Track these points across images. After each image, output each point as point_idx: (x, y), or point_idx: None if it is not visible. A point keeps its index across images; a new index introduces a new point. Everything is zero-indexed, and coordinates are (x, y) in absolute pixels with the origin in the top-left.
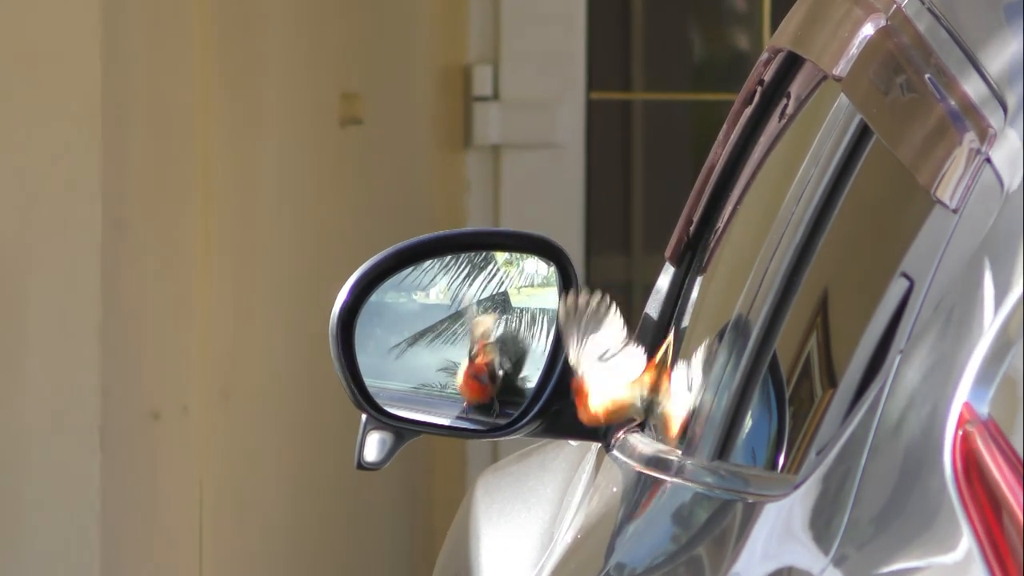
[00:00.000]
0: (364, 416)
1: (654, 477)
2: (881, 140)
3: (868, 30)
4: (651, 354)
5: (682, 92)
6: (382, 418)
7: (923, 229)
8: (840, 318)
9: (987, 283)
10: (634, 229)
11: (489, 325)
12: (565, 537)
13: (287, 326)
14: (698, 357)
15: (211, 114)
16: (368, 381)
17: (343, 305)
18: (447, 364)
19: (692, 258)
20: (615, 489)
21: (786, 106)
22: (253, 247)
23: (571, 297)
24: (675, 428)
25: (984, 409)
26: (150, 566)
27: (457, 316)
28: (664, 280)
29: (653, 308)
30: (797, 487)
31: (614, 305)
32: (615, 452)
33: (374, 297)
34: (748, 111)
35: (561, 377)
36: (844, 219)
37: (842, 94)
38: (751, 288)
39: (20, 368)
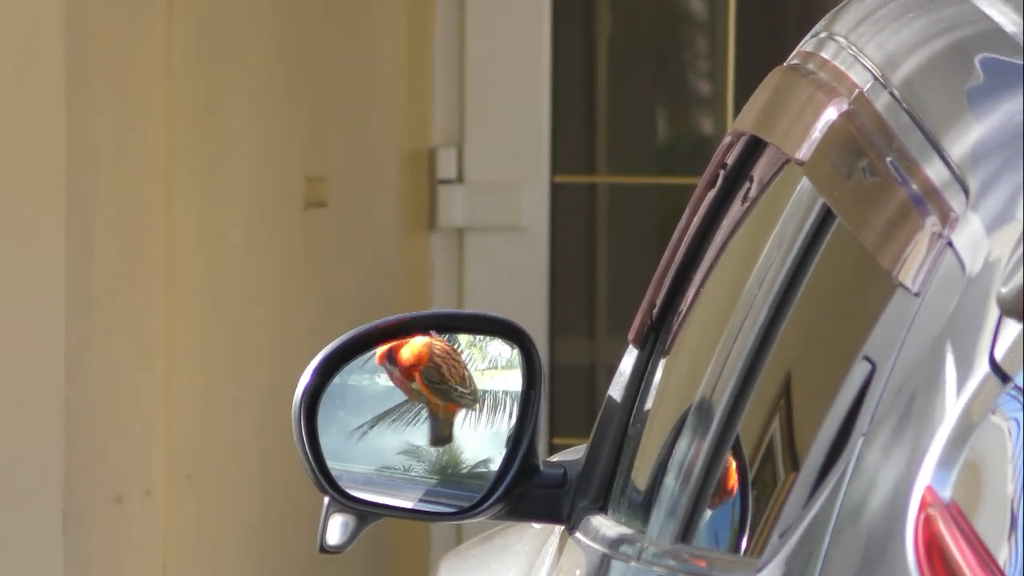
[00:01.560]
0: (327, 499)
1: (617, 560)
2: (844, 224)
3: (831, 114)
4: (616, 439)
5: (646, 175)
6: (345, 501)
7: (885, 313)
8: (802, 401)
9: (949, 367)
10: (598, 311)
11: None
12: None
13: (252, 408)
14: (661, 439)
15: (176, 196)
16: (331, 464)
17: (306, 388)
18: (409, 447)
19: (655, 341)
20: (578, 572)
21: (749, 189)
22: (218, 329)
23: None
24: (639, 510)
25: (947, 493)
26: None
27: (419, 397)
28: (627, 362)
29: (616, 390)
30: (760, 571)
31: None
32: (578, 534)
33: (337, 379)
34: (711, 194)
35: (524, 459)
36: (806, 302)
37: (805, 178)
38: (714, 371)
39: None
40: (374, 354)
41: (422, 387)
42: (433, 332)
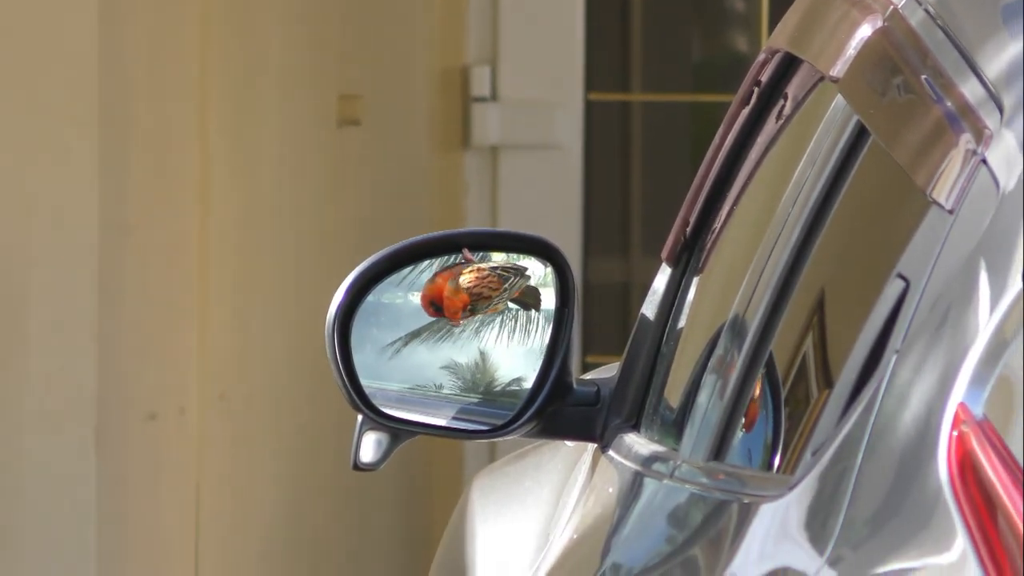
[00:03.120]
0: (360, 417)
1: (650, 477)
2: (878, 141)
3: (865, 31)
4: (649, 357)
5: (680, 93)
6: (378, 419)
7: (919, 230)
8: (836, 319)
9: (983, 284)
10: (632, 230)
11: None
12: (561, 537)
13: (285, 328)
14: (695, 358)
15: (209, 116)
16: (364, 382)
17: (339, 306)
18: (445, 363)
19: (689, 259)
20: (611, 489)
21: (783, 107)
22: (251, 249)
23: None
24: (672, 428)
25: (980, 410)
26: (147, 567)
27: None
28: (661, 281)
29: (650, 309)
30: (793, 488)
31: None
32: (611, 452)
33: (371, 298)
34: (745, 112)
35: (558, 377)
36: (840, 220)
37: (839, 95)
38: (747, 289)
39: (17, 369)
40: (410, 271)
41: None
42: (466, 250)
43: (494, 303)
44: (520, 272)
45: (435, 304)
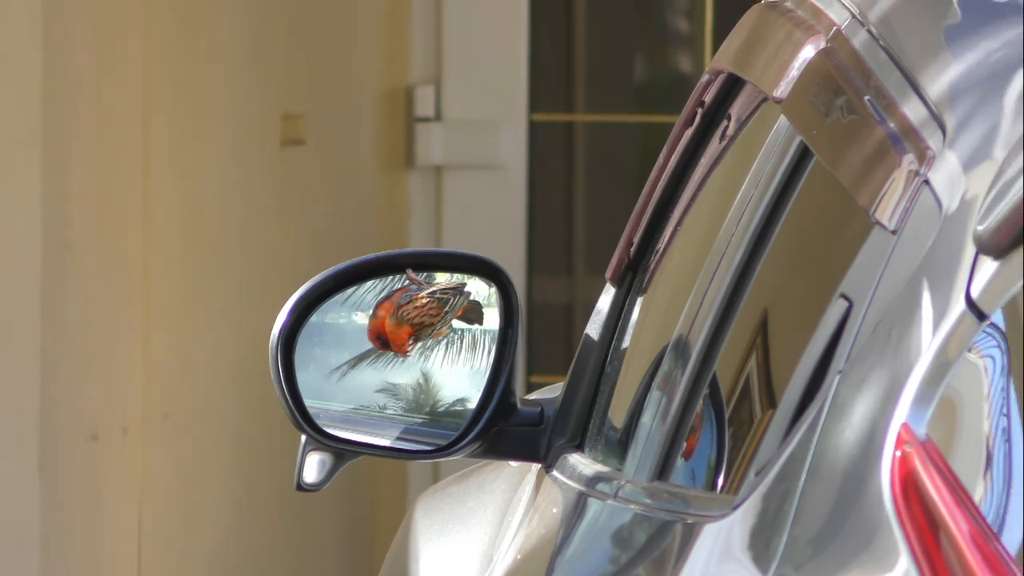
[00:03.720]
0: (304, 437)
1: (594, 498)
2: (821, 162)
3: (808, 52)
4: (593, 377)
5: (624, 114)
6: (322, 439)
7: (862, 250)
8: (779, 339)
9: (926, 304)
10: (576, 250)
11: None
12: (505, 558)
13: (229, 348)
14: (639, 378)
15: (153, 133)
16: (308, 402)
17: (283, 326)
18: (389, 384)
19: (633, 279)
20: (555, 510)
21: (726, 127)
22: (195, 267)
23: None
24: (616, 448)
25: (922, 430)
26: None
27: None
28: (605, 301)
29: (594, 329)
30: (736, 507)
31: None
32: (555, 472)
33: (314, 318)
34: (689, 132)
35: (502, 397)
36: (784, 240)
37: (782, 116)
38: (691, 309)
39: None
40: (354, 291)
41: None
42: (409, 270)
43: (437, 328)
44: (459, 290)
45: (381, 338)
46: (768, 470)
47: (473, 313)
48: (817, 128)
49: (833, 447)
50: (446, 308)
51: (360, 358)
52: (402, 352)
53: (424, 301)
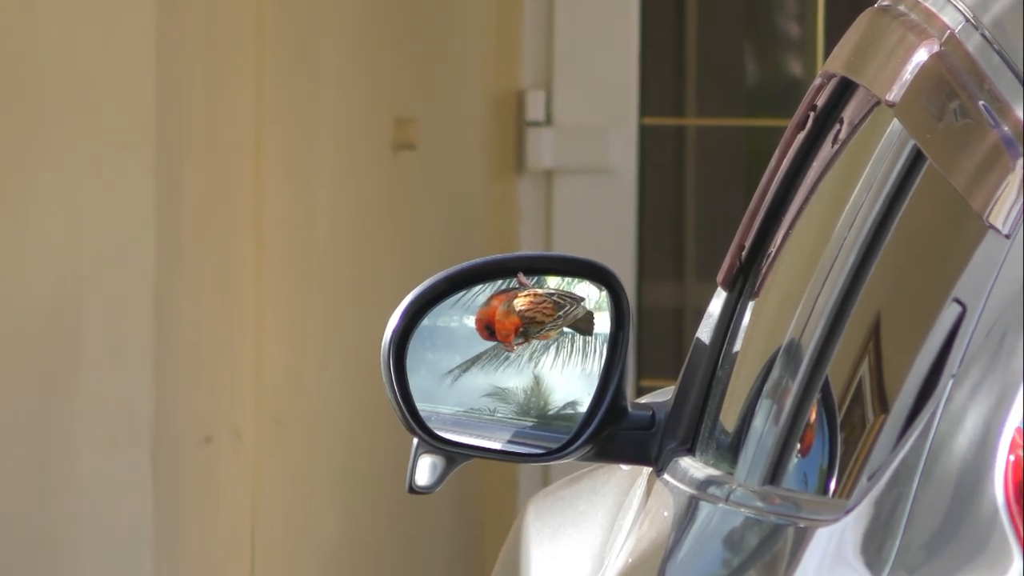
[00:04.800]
0: (416, 440)
1: (705, 501)
2: (934, 166)
3: (921, 56)
4: (704, 381)
5: (735, 118)
6: (434, 442)
7: (976, 254)
8: (892, 343)
9: None
10: (686, 254)
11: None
12: (616, 561)
13: (340, 351)
14: (750, 382)
15: (264, 140)
16: (420, 405)
17: (395, 329)
18: (499, 387)
19: (744, 283)
20: (666, 513)
21: (839, 131)
22: (306, 273)
23: None
24: (727, 452)
25: None
26: None
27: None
28: (716, 305)
29: (705, 333)
30: (848, 512)
31: None
32: (666, 476)
33: (426, 321)
34: (801, 136)
35: (612, 401)
36: (896, 244)
37: (895, 120)
38: (803, 313)
39: (75, 394)
40: (464, 294)
41: (525, 340)
42: (521, 274)
43: (547, 329)
44: (576, 301)
45: (488, 327)
46: (881, 474)
47: (584, 324)
48: (930, 132)
49: (946, 452)
50: (559, 312)
51: (472, 361)
52: (507, 344)
53: (542, 298)
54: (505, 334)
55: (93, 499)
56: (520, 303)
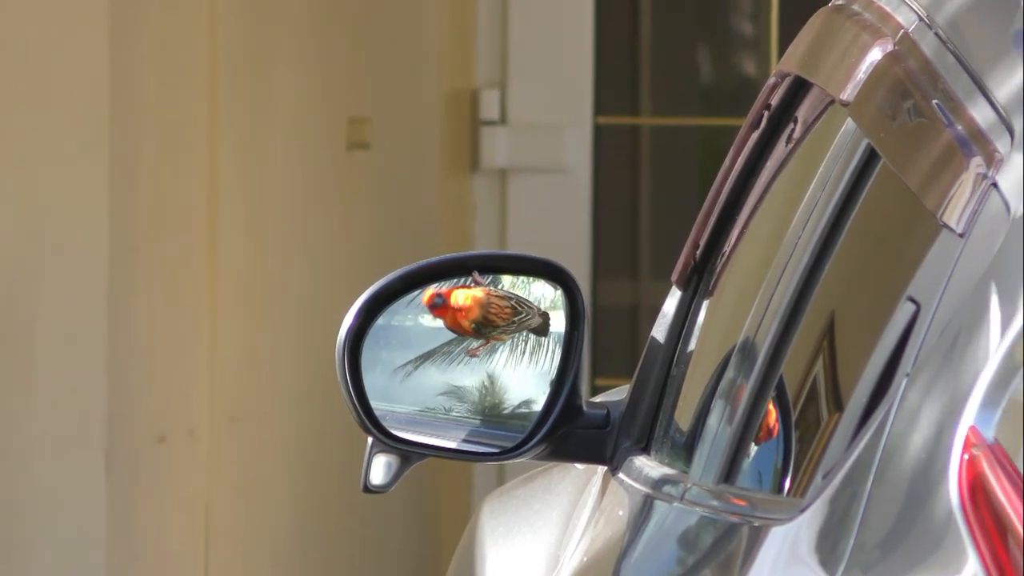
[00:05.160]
0: (370, 439)
1: (660, 500)
2: (888, 164)
3: (876, 55)
4: (659, 380)
5: (689, 117)
6: (388, 441)
7: (930, 253)
8: (847, 342)
9: (993, 307)
10: (641, 253)
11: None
12: (571, 560)
13: (295, 350)
14: (705, 380)
15: (219, 138)
16: (375, 404)
17: (350, 328)
18: (454, 386)
19: (699, 282)
20: (621, 512)
21: (793, 130)
22: (261, 271)
23: None
24: (682, 451)
25: (990, 433)
26: None
27: (462, 338)
28: (671, 304)
29: (660, 332)
30: (803, 510)
31: None
32: (621, 475)
33: (381, 320)
34: (755, 135)
35: (567, 400)
36: (851, 243)
37: (849, 119)
38: (758, 311)
39: (27, 391)
40: (419, 294)
41: (470, 333)
42: (476, 273)
43: (500, 331)
44: (539, 313)
45: (442, 298)
46: (835, 473)
47: (539, 328)
48: (884, 131)
49: (900, 450)
50: (515, 318)
51: (425, 357)
52: (454, 324)
53: (503, 302)
54: (459, 319)
55: (46, 498)
56: (480, 292)
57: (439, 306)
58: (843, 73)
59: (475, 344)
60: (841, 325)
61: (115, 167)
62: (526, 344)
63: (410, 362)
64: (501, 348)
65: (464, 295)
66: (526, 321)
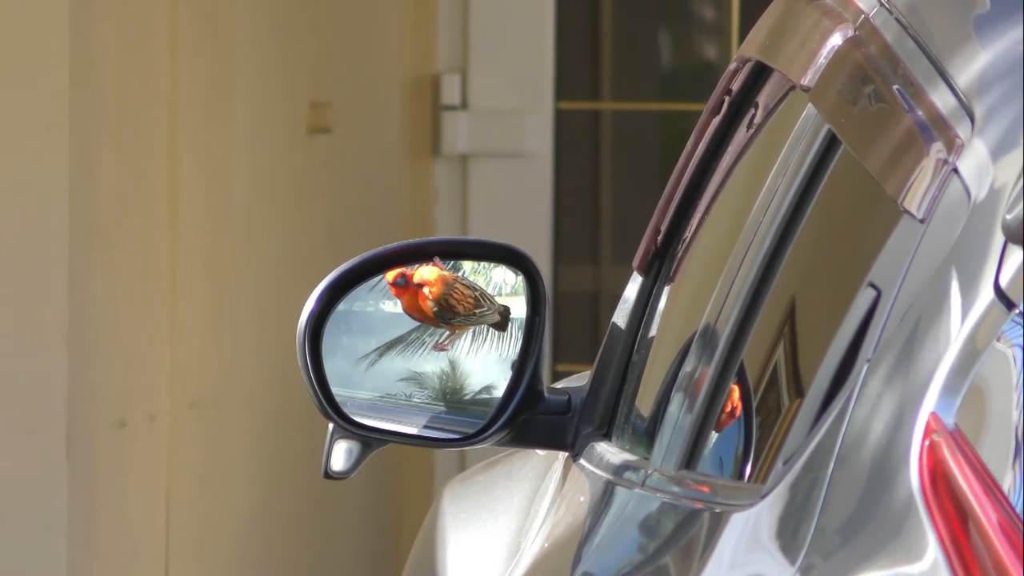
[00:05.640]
0: (331, 425)
1: (621, 486)
2: (849, 150)
3: (836, 40)
4: (620, 366)
5: (650, 102)
6: (349, 427)
7: (890, 239)
8: (807, 328)
9: (954, 293)
10: (602, 238)
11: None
12: (532, 546)
13: (256, 335)
14: (666, 366)
15: (180, 121)
16: (335, 390)
17: (310, 313)
18: (415, 372)
19: (660, 268)
20: (582, 498)
21: (754, 116)
22: (222, 256)
23: None
24: (643, 437)
25: (951, 419)
26: (116, 574)
27: (425, 326)
28: (632, 289)
29: (620, 318)
30: (764, 496)
31: None
32: (582, 461)
33: (342, 306)
34: (716, 121)
35: (528, 386)
36: (812, 228)
37: (810, 104)
38: (718, 297)
39: None
40: (380, 279)
41: (430, 317)
42: (437, 259)
43: (459, 320)
44: (500, 311)
45: (405, 278)
46: (796, 459)
47: (499, 328)
48: (845, 116)
49: (861, 436)
50: (476, 310)
51: (388, 346)
52: (413, 307)
53: (467, 291)
54: (422, 295)
55: (6, 482)
56: (448, 277)
57: (401, 285)
58: (804, 58)
59: (442, 337)
60: (802, 311)
61: (75, 151)
62: (488, 330)
63: (373, 351)
64: (462, 335)
65: (430, 270)
66: (486, 316)
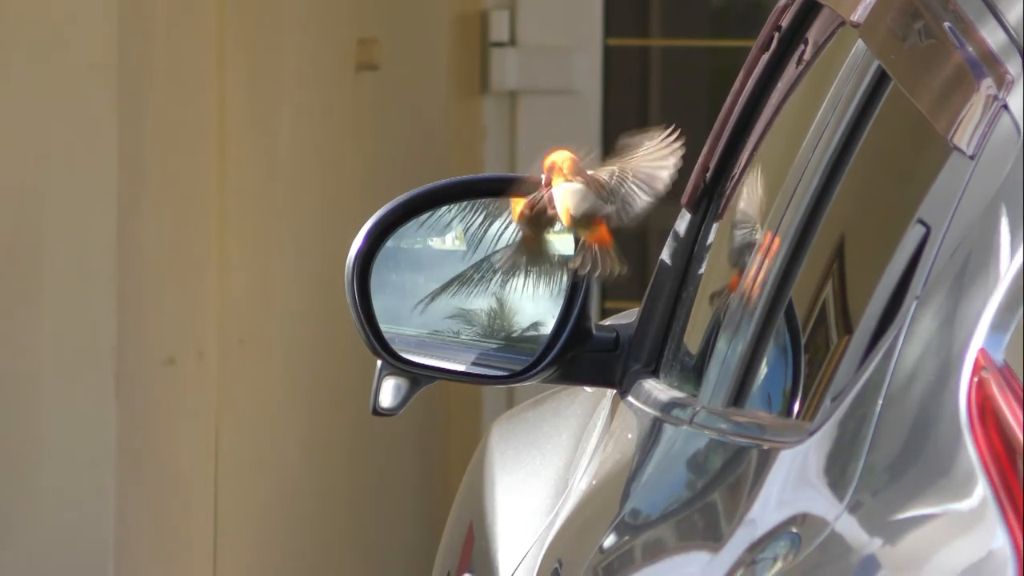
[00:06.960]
0: (380, 362)
1: (669, 423)
2: (899, 86)
3: None
4: (668, 303)
5: (699, 38)
6: (397, 364)
7: (940, 176)
8: (856, 265)
9: (1003, 230)
10: None
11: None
12: (580, 483)
13: (304, 272)
14: (714, 304)
15: (227, 60)
16: (384, 327)
17: (359, 251)
18: (464, 309)
19: (708, 205)
20: (630, 435)
21: (803, 52)
22: (270, 193)
23: None
24: (691, 374)
25: (1000, 355)
26: (165, 511)
27: (474, 264)
28: (681, 226)
29: (669, 255)
30: (812, 434)
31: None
32: (630, 398)
33: (390, 243)
34: (765, 57)
35: (577, 323)
36: (861, 166)
37: (860, 40)
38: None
39: (36, 316)
40: (428, 217)
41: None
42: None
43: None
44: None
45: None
46: (844, 396)
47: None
48: (895, 52)
49: (910, 373)
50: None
51: (444, 288)
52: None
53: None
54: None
55: (56, 421)
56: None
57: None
58: None
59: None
60: (851, 248)
61: (123, 92)
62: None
63: (427, 296)
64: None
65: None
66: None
